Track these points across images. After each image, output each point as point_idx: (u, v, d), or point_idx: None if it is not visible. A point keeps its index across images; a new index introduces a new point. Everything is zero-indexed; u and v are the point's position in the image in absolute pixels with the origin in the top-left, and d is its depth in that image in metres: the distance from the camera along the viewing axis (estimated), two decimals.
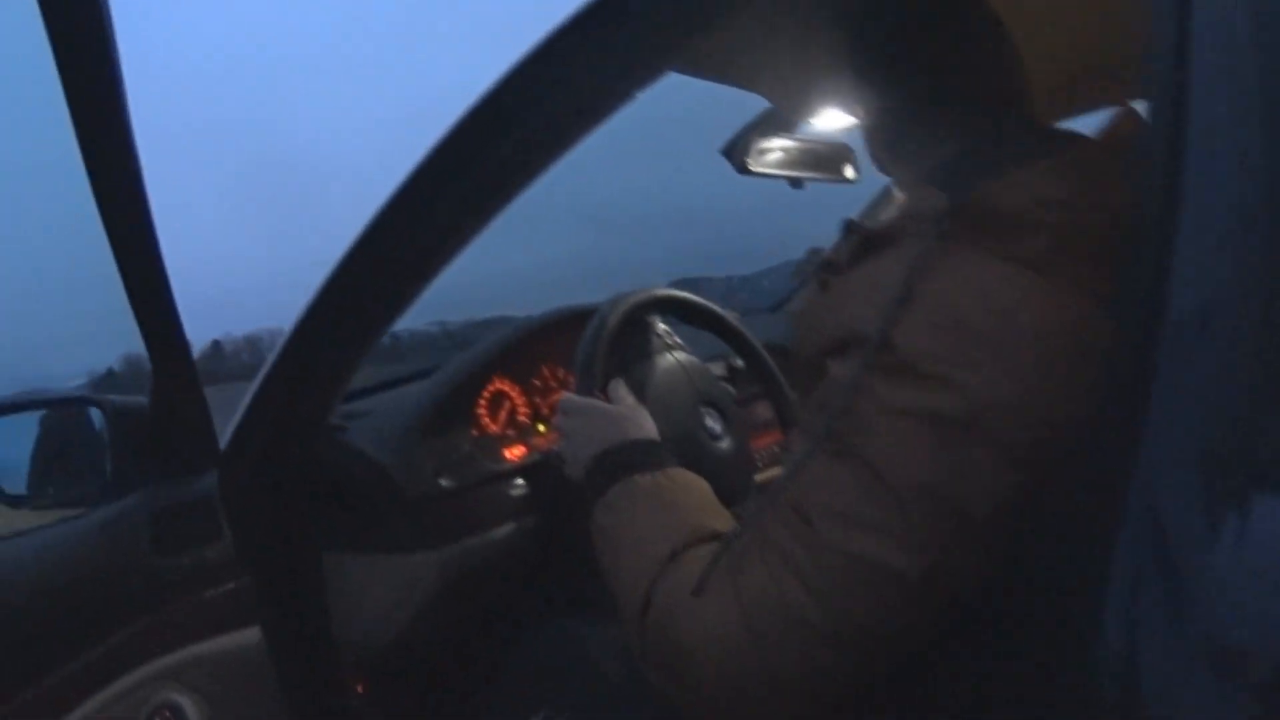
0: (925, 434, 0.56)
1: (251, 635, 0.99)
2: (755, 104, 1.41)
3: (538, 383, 1.38)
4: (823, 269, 0.73)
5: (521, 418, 1.34)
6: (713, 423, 1.17)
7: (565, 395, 0.99)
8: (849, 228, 0.72)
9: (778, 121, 1.53)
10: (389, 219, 0.90)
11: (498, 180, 0.88)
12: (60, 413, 1.10)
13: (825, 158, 1.60)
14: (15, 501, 1.04)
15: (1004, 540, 0.57)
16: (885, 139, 0.81)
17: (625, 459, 0.84)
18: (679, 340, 1.26)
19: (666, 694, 0.69)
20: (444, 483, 1.15)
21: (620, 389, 0.99)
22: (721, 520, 0.77)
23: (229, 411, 1.08)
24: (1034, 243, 0.59)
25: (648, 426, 0.92)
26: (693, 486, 0.82)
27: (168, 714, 0.87)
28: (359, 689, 1.21)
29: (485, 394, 1.29)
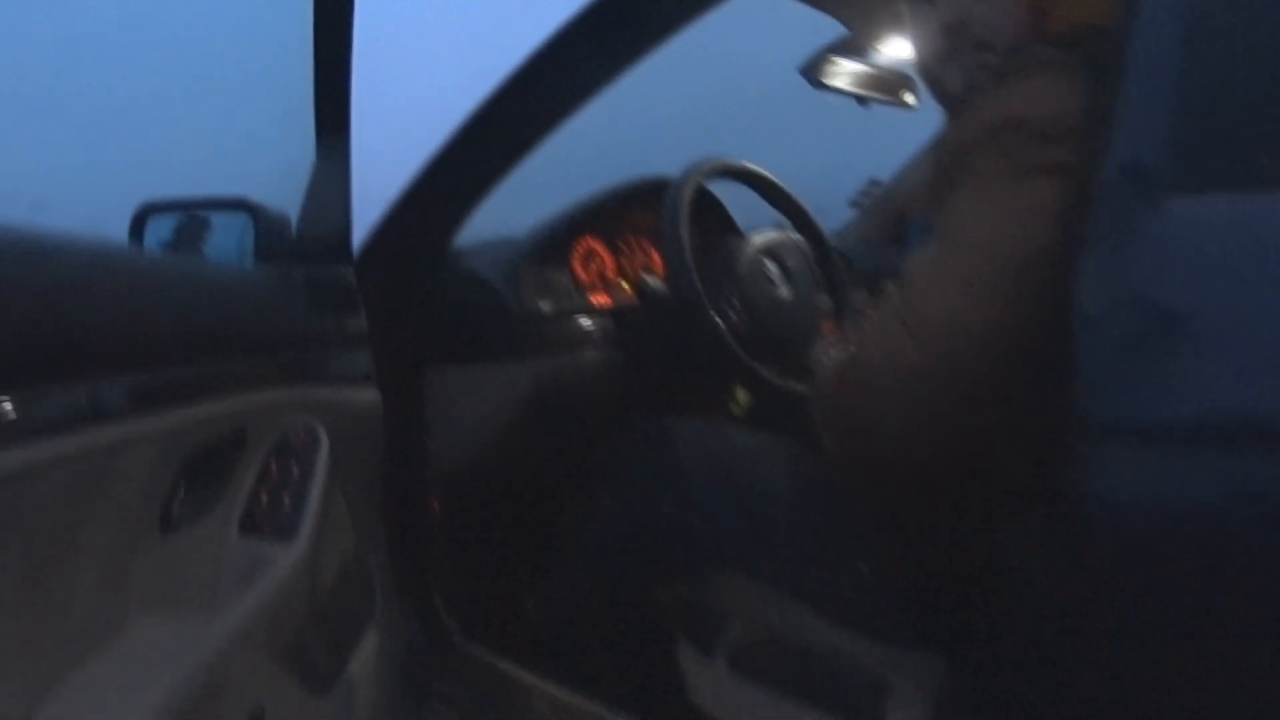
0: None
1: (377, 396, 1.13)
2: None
3: (624, 247, 1.53)
4: (962, 94, 0.96)
5: (609, 274, 1.48)
6: (772, 267, 1.32)
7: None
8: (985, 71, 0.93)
9: (851, 47, 1.67)
10: (539, 67, 1.05)
11: (626, 46, 1.04)
12: (209, 214, 1.23)
13: (889, 83, 1.73)
14: None
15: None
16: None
17: None
18: None
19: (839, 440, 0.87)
20: (543, 306, 1.30)
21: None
22: None
23: None
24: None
25: None
26: None
27: (304, 436, 1.01)
28: (435, 506, 1.34)
29: (579, 249, 1.43)
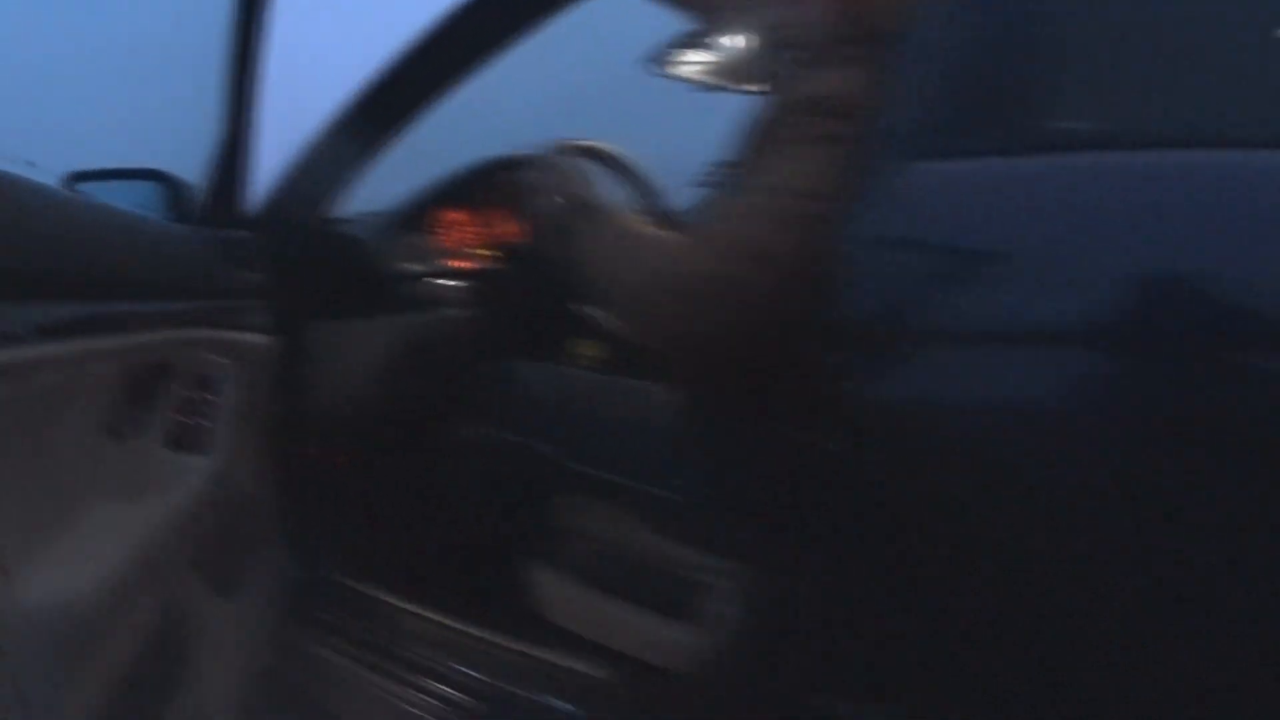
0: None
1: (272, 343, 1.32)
2: None
3: (485, 218, 1.70)
4: (775, 80, 1.09)
5: (470, 242, 1.68)
6: None
7: None
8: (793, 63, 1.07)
9: (697, 39, 1.90)
10: (413, 55, 1.27)
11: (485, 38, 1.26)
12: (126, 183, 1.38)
13: (733, 70, 1.96)
14: None
15: None
16: None
17: None
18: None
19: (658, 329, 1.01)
20: (410, 268, 1.51)
21: None
22: None
23: None
24: None
25: None
26: None
27: (215, 371, 1.20)
28: (316, 446, 1.52)
29: (443, 218, 1.64)
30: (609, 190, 1.64)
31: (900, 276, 0.80)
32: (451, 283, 1.58)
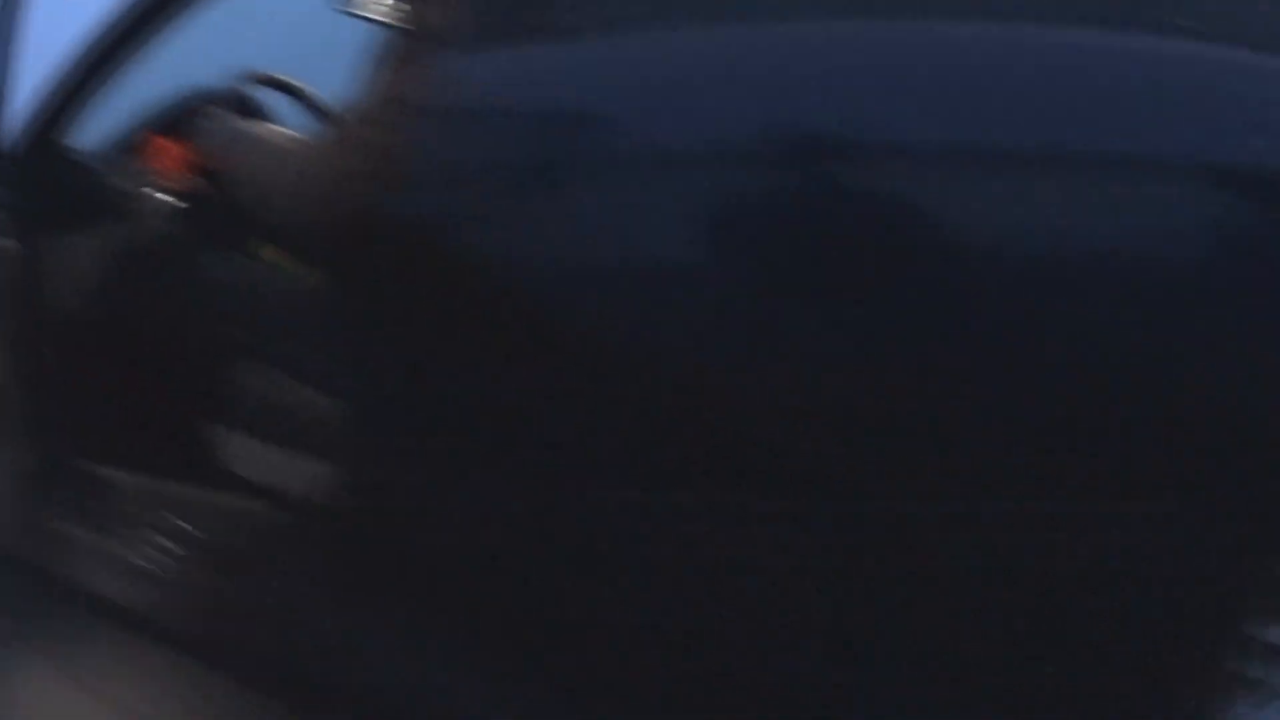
0: None
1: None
2: None
3: (184, 143, 1.77)
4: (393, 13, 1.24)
5: (174, 163, 1.75)
6: None
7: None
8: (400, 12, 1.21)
9: None
10: None
11: None
12: None
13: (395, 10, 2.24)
14: None
15: None
16: None
17: None
18: None
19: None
20: (128, 186, 1.70)
21: None
22: None
23: None
24: None
25: None
26: None
27: None
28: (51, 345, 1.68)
29: (153, 144, 1.76)
30: (289, 115, 1.97)
31: (472, 148, 0.97)
32: (161, 198, 1.73)
